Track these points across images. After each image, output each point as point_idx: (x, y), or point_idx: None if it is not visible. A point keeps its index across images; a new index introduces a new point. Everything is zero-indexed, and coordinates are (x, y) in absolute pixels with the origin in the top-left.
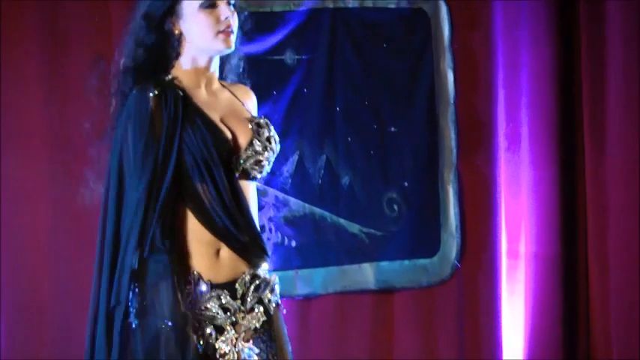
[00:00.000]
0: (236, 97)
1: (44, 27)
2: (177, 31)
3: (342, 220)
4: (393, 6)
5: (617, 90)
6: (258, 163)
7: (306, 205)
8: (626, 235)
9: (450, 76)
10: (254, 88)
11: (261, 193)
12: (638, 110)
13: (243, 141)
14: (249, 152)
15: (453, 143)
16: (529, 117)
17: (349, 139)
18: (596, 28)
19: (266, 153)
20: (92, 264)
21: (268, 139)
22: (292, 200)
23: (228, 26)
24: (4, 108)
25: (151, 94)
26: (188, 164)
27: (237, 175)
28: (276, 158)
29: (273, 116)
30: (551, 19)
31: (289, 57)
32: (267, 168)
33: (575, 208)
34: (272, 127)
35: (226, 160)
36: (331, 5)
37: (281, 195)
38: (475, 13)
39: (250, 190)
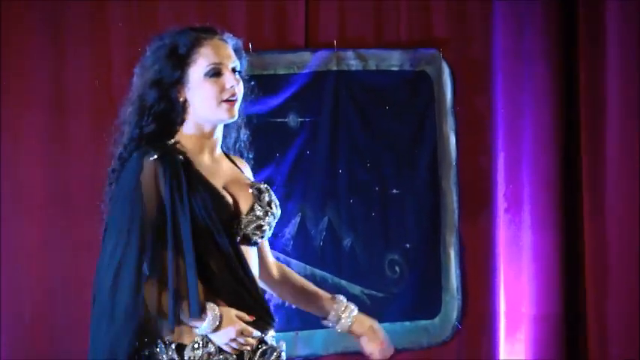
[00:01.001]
0: (235, 164)
1: (48, 88)
2: (182, 99)
3: (343, 282)
4: (396, 69)
5: (616, 153)
6: (260, 227)
7: (308, 266)
8: (626, 296)
9: (452, 139)
10: (257, 151)
11: None
12: (636, 173)
13: (244, 206)
14: (250, 217)
15: (455, 205)
16: (530, 179)
17: (351, 201)
18: (597, 96)
19: (267, 218)
20: None
21: (269, 204)
22: (293, 262)
23: (233, 95)
24: (5, 163)
25: (151, 159)
26: (196, 231)
27: (238, 239)
28: (278, 220)
29: (276, 178)
30: (553, 83)
31: (292, 119)
32: (269, 233)
33: (576, 270)
34: (272, 192)
35: (228, 225)
36: (334, 68)
37: (282, 257)
38: (477, 76)
39: (252, 254)
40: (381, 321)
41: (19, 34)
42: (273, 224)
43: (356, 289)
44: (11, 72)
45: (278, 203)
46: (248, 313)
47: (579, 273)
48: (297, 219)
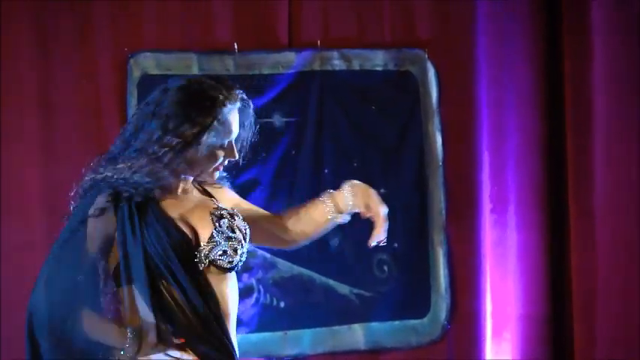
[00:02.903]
0: (206, 191)
1: (34, 89)
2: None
3: (331, 281)
4: (380, 69)
5: (603, 153)
6: (224, 253)
7: (295, 266)
8: (612, 296)
9: (439, 138)
10: None
11: (250, 255)
12: (622, 173)
13: (205, 235)
14: (211, 245)
15: (442, 205)
16: (515, 179)
17: None
18: (583, 96)
19: (230, 242)
20: None
21: (231, 229)
22: (280, 261)
23: (223, 164)
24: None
25: (105, 199)
26: (150, 265)
27: (201, 268)
28: None
29: (262, 178)
30: (538, 83)
31: (278, 119)
32: (238, 257)
33: (562, 270)
34: (238, 216)
35: (187, 256)
36: (318, 68)
37: (269, 256)
38: (461, 76)
39: (226, 281)
40: (369, 320)
41: (5, 36)
42: (241, 248)
43: (344, 289)
44: None
45: (244, 227)
46: (204, 353)
47: (565, 273)
48: None
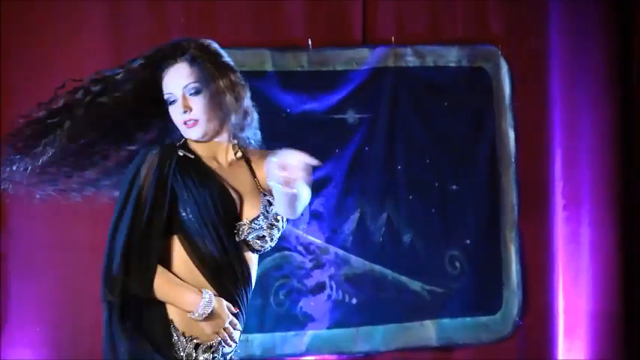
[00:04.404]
0: (252, 169)
1: None
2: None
3: (403, 278)
4: (453, 65)
5: None
6: (262, 238)
7: (367, 262)
8: None
9: (511, 135)
10: (315, 147)
11: (322, 251)
12: None
13: (249, 213)
14: (253, 225)
15: (515, 201)
16: (588, 176)
17: (410, 197)
18: None
19: (270, 230)
20: None
21: (275, 217)
22: (353, 258)
23: (188, 119)
24: None
25: (154, 152)
26: (186, 220)
27: (237, 240)
28: (337, 216)
29: (335, 174)
30: (611, 79)
31: (351, 116)
32: (271, 244)
33: (635, 267)
34: None
35: (229, 222)
36: (392, 64)
37: (342, 252)
38: (534, 73)
39: (252, 260)
40: (441, 317)
41: (78, 35)
42: (277, 236)
43: (416, 285)
44: (72, 71)
45: (283, 216)
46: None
47: (638, 270)
48: (356, 215)
